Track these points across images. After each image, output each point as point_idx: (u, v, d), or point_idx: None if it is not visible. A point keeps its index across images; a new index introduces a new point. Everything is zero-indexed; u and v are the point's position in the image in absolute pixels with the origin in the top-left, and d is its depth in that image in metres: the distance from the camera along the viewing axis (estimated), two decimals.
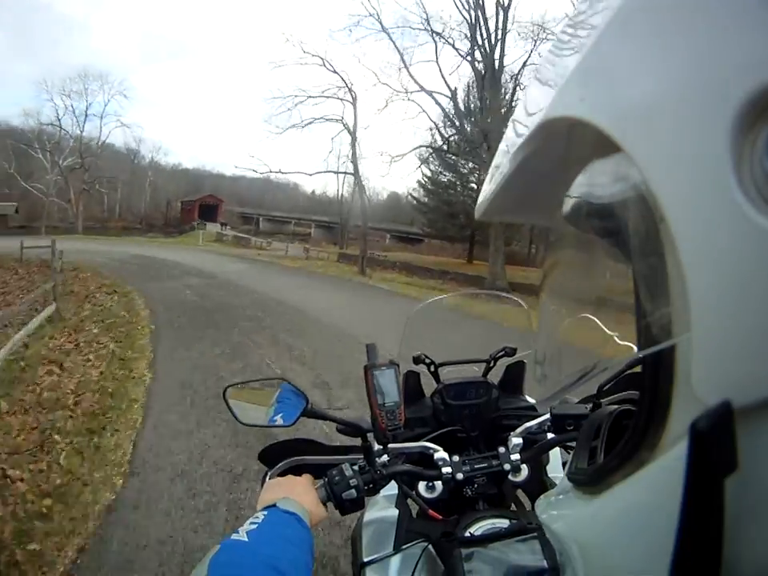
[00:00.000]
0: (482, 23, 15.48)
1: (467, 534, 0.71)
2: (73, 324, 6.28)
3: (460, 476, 0.81)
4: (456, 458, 0.84)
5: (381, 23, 16.84)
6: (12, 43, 76.16)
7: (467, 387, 1.01)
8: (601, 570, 0.42)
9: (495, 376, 1.07)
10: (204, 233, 32.44)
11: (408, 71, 17.29)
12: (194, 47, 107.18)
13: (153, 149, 56.95)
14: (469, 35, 15.90)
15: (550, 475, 0.98)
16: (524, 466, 0.87)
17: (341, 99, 18.65)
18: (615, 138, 0.32)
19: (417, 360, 1.02)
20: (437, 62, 17.68)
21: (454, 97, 17.75)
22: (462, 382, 1.01)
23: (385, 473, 0.76)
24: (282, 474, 0.78)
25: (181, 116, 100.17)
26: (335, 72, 18.40)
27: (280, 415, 0.78)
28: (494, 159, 0.59)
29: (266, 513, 0.59)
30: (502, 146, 0.56)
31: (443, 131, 20.23)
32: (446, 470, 0.82)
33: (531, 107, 0.47)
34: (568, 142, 0.42)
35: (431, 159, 23.66)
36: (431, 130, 20.78)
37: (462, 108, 19.16)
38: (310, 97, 18.60)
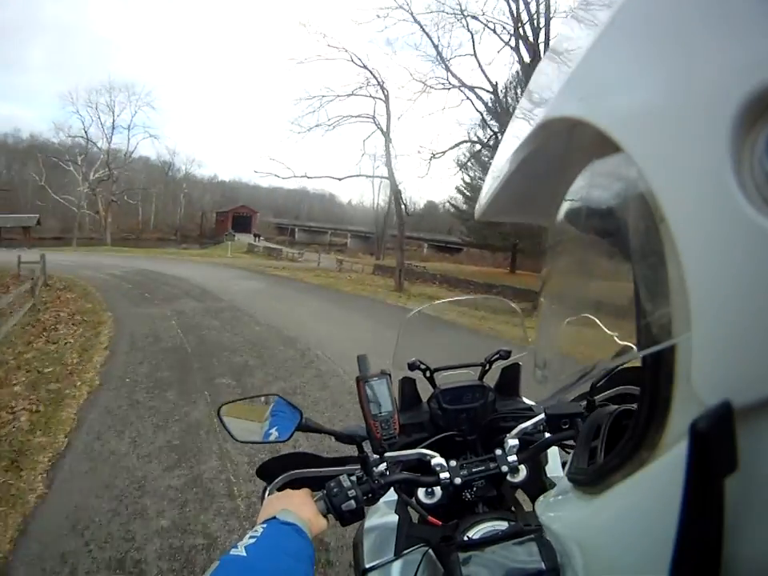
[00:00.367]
0: (523, 7, 13.12)
1: (465, 538, 0.71)
2: (1, 374, 4.55)
3: (458, 481, 0.81)
4: (453, 463, 0.84)
5: (412, 14, 14.41)
6: (45, 59, 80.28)
7: (463, 391, 1.01)
8: (601, 570, 0.42)
9: (491, 379, 1.07)
10: (233, 244, 31.78)
11: (445, 64, 14.92)
12: (223, 58, 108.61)
13: (187, 161, 57.79)
14: (510, 16, 13.36)
15: (549, 475, 0.98)
16: (522, 467, 0.87)
17: (372, 96, 16.53)
18: (615, 139, 0.32)
19: (412, 366, 1.02)
20: (474, 54, 15.04)
21: (495, 91, 15.86)
22: (458, 387, 1.01)
23: (383, 482, 0.76)
24: (281, 488, 0.78)
25: (215, 128, 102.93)
26: (364, 67, 16.16)
27: (275, 429, 0.78)
28: (494, 159, 0.59)
29: (264, 526, 0.60)
30: (502, 146, 0.56)
31: (483, 130, 18.41)
32: (444, 475, 0.82)
33: (531, 107, 0.47)
34: (568, 142, 0.42)
35: (470, 165, 22.28)
36: (470, 130, 19.11)
37: (505, 103, 17.19)
38: (339, 96, 16.52)
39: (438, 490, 0.85)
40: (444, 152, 16.57)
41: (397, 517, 0.88)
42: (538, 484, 0.93)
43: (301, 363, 5.22)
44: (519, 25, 13.42)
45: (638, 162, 0.30)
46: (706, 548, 0.27)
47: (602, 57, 0.35)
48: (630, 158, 0.31)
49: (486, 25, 14.14)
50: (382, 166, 19.98)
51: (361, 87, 16.46)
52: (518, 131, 0.49)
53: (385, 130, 16.51)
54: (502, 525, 0.73)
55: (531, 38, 13.65)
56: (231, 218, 46.31)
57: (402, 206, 17.21)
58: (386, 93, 16.48)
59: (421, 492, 0.86)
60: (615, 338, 0.39)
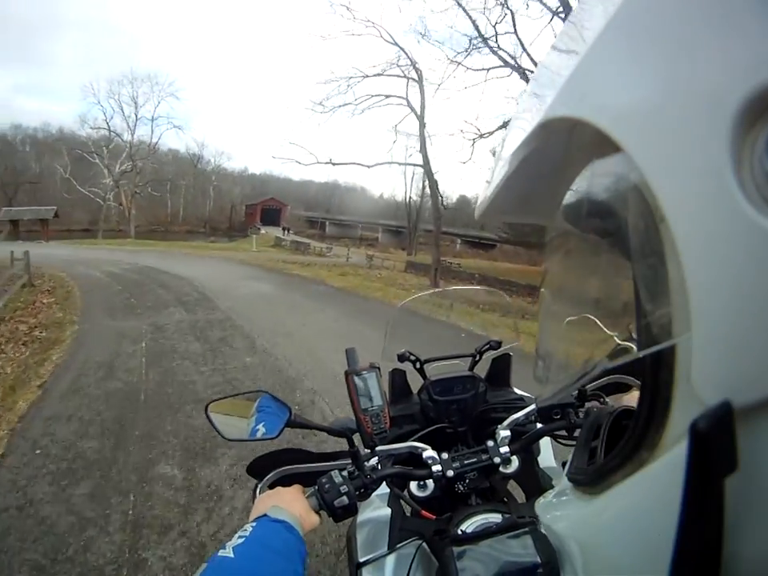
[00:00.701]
0: None
1: (459, 532, 0.71)
2: None
3: (450, 473, 0.81)
4: (445, 456, 0.83)
5: None
6: (74, 55, 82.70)
7: (454, 382, 1.00)
8: (601, 570, 0.42)
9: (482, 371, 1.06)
10: (258, 237, 30.23)
11: (486, 42, 13.08)
12: (248, 47, 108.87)
13: (216, 153, 57.92)
14: None
15: (541, 465, 0.98)
16: (514, 458, 0.87)
17: (404, 76, 14.92)
18: (615, 138, 0.32)
19: (402, 357, 1.02)
20: (515, 32, 13.06)
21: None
22: (449, 378, 1.01)
23: (375, 477, 0.75)
24: (272, 485, 0.77)
25: (244, 121, 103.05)
26: (395, 44, 14.58)
27: (262, 425, 0.77)
28: (494, 159, 0.59)
29: (254, 524, 0.60)
30: (502, 146, 0.56)
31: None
32: (436, 468, 0.81)
33: (531, 106, 0.47)
34: (568, 142, 0.42)
35: None
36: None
37: None
38: (367, 76, 14.99)
39: (430, 482, 0.85)
40: (492, 132, 14.44)
41: (389, 510, 0.88)
42: (531, 475, 0.94)
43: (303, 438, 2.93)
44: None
45: (638, 161, 0.30)
46: (705, 548, 0.27)
47: (602, 56, 0.35)
48: (629, 158, 0.31)
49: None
50: (415, 154, 18.42)
51: (391, 66, 14.95)
52: (518, 131, 0.49)
53: (419, 112, 15.05)
54: (496, 517, 0.73)
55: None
56: (260, 210, 45.65)
57: (439, 198, 15.76)
58: (418, 72, 14.98)
59: (413, 485, 0.86)
60: (615, 338, 0.39)
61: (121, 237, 32.01)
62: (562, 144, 0.42)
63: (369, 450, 0.79)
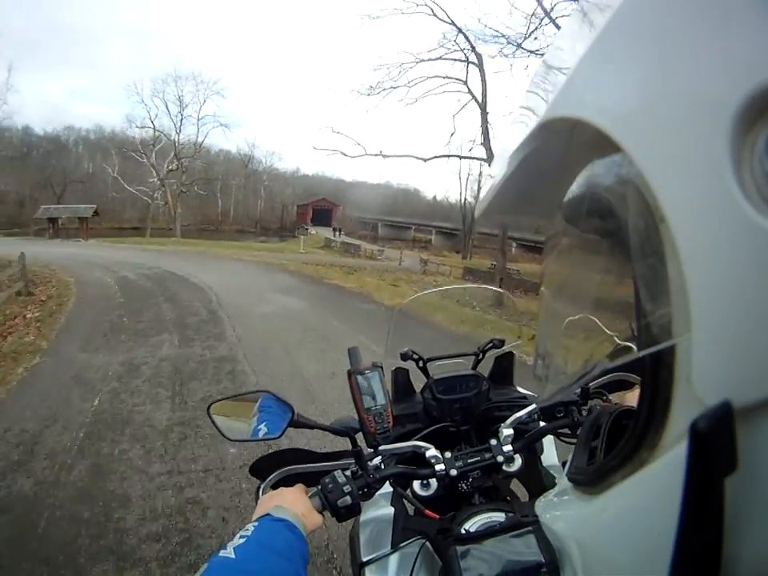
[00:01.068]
0: None
1: (462, 531, 0.71)
2: None
3: (454, 472, 0.81)
4: (448, 455, 0.83)
5: None
6: (125, 59, 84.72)
7: (457, 381, 1.00)
8: (601, 570, 0.42)
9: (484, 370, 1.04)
10: (306, 238, 29.47)
11: (552, 21, 11.16)
12: (295, 47, 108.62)
13: (267, 154, 57.88)
14: None
15: (544, 464, 0.98)
16: (517, 457, 0.86)
17: (465, 59, 13.15)
18: (615, 139, 0.32)
19: (404, 356, 1.02)
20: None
21: None
22: (452, 376, 1.01)
23: (378, 476, 0.75)
24: (275, 485, 0.77)
25: (295, 121, 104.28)
26: (452, 24, 12.71)
27: (264, 425, 0.76)
28: (494, 159, 0.59)
29: (256, 524, 0.60)
30: (502, 146, 0.56)
31: None
32: (440, 467, 0.81)
33: (531, 107, 0.47)
34: (568, 142, 0.42)
35: None
36: None
37: None
38: (422, 60, 13.42)
39: (433, 481, 0.85)
40: None
41: (392, 509, 0.88)
42: (534, 473, 0.93)
43: None
44: None
45: (638, 161, 0.30)
46: (705, 548, 0.27)
47: (602, 57, 0.35)
48: (629, 158, 0.31)
49: None
50: (476, 148, 16.32)
51: (448, 50, 13.25)
52: (518, 131, 0.49)
53: (480, 100, 13.54)
54: (499, 516, 0.73)
55: None
56: (311, 210, 45.43)
57: None
58: (479, 56, 13.25)
59: (416, 484, 0.86)
60: (615, 338, 0.39)
61: (168, 235, 31.81)
62: (562, 144, 0.42)
63: (372, 450, 0.79)
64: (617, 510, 0.40)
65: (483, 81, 13.38)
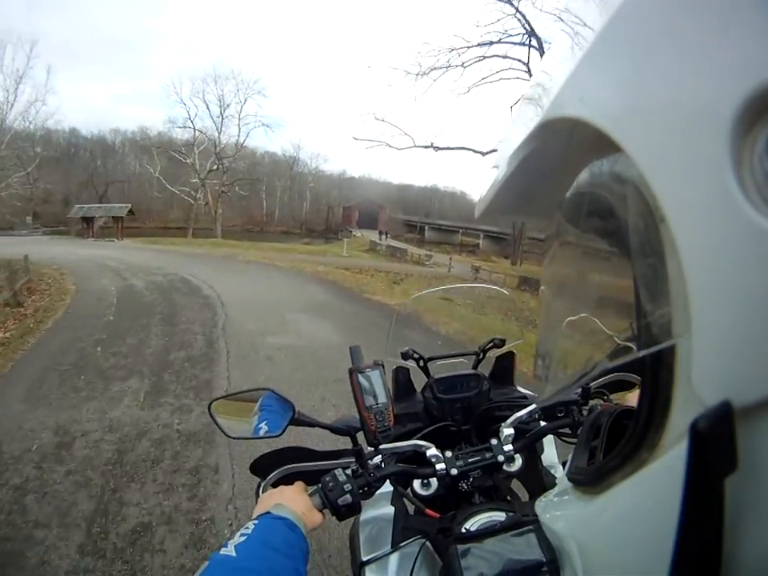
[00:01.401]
0: None
1: (463, 530, 0.71)
2: None
3: (454, 471, 0.81)
4: (449, 454, 0.83)
5: None
6: (170, 62, 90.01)
7: (458, 380, 1.00)
8: (601, 570, 0.42)
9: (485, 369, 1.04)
10: (350, 241, 27.34)
11: None
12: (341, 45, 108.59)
13: (312, 156, 57.99)
14: None
15: (545, 464, 0.98)
16: (518, 456, 0.86)
17: (525, 44, 12.17)
18: (615, 138, 0.32)
19: (405, 355, 1.02)
20: None
21: None
22: (453, 376, 1.01)
23: (378, 475, 0.75)
24: (275, 484, 0.77)
25: (341, 124, 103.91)
26: (509, 3, 11.88)
27: (265, 423, 0.77)
28: (494, 159, 0.59)
29: (256, 522, 0.60)
30: (502, 146, 0.56)
31: None
32: (440, 466, 0.81)
33: (532, 106, 0.47)
34: (568, 142, 0.42)
35: None
36: None
37: None
38: (477, 45, 12.51)
39: (434, 481, 0.85)
40: None
41: (393, 509, 0.88)
42: (534, 473, 0.94)
43: None
44: None
45: (638, 161, 0.30)
46: (705, 548, 0.27)
47: (602, 56, 0.35)
48: (629, 158, 0.31)
49: None
50: None
51: (504, 34, 12.15)
52: (518, 130, 0.49)
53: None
54: (500, 515, 0.73)
55: None
56: (357, 212, 45.03)
57: None
58: (539, 40, 12.33)
59: (417, 483, 0.86)
60: (615, 338, 0.39)
61: (210, 236, 31.52)
62: (562, 144, 0.42)
63: (372, 449, 0.79)
64: (617, 510, 0.40)
65: None
